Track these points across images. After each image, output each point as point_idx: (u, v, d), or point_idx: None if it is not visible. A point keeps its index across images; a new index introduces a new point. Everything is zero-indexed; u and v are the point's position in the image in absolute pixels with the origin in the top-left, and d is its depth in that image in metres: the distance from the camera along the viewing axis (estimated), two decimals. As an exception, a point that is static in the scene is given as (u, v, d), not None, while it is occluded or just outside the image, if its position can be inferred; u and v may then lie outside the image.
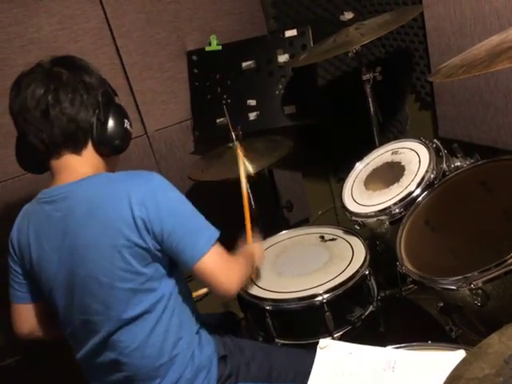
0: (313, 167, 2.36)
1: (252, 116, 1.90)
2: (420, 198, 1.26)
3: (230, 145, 1.75)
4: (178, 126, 1.97)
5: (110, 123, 1.05)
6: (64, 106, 1.00)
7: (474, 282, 0.92)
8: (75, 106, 1.01)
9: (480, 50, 0.76)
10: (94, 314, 1.02)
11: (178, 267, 1.09)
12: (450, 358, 0.88)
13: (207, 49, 1.92)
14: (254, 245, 1.34)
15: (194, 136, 2.00)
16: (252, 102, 1.91)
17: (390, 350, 0.97)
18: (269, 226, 1.78)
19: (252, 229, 1.41)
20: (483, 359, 0.74)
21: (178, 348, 1.06)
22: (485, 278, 0.91)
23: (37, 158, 1.05)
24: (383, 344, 1.00)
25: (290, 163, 2.19)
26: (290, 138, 1.85)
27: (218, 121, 1.92)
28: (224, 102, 1.91)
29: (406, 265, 1.10)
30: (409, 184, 1.32)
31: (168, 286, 1.06)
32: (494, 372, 0.69)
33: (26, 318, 1.16)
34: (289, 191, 2.27)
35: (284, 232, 1.68)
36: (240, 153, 1.54)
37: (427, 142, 1.40)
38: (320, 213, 2.48)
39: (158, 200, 0.99)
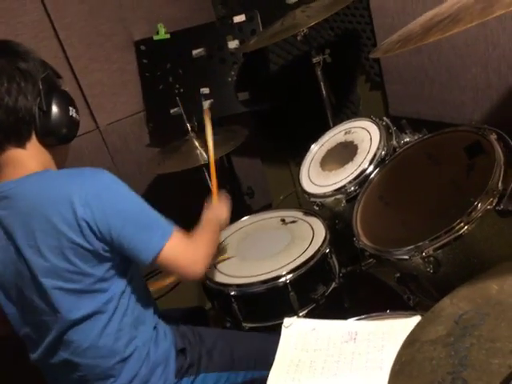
0: (271, 153, 2.37)
1: (206, 104, 1.88)
2: (373, 175, 1.30)
3: (187, 138, 1.72)
4: (131, 118, 1.93)
5: (54, 112, 0.98)
6: (0, 97, 0.93)
7: (426, 250, 0.95)
8: (12, 95, 0.94)
9: (416, 25, 0.78)
10: (44, 315, 0.99)
11: (131, 265, 1.06)
12: (408, 324, 0.92)
13: (155, 38, 1.88)
14: (217, 206, 1.33)
15: (148, 128, 1.97)
16: (205, 90, 1.89)
17: (351, 323, 1.00)
18: (231, 214, 1.79)
19: (217, 189, 1.41)
20: (436, 322, 0.77)
21: (131, 347, 1.04)
22: (435, 246, 0.95)
23: None
24: (345, 318, 1.03)
25: (248, 151, 2.20)
26: (247, 126, 1.85)
27: (171, 111, 1.89)
28: (177, 91, 1.89)
29: (362, 239, 1.13)
30: (362, 162, 1.36)
31: (120, 285, 1.02)
32: (446, 333, 0.72)
33: None
34: (249, 178, 2.27)
35: (245, 218, 1.69)
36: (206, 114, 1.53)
37: (377, 120, 1.43)
38: (282, 197, 2.50)
39: (103, 199, 0.95)
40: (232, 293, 1.31)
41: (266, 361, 1.13)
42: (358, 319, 1.02)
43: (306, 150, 1.63)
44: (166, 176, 1.76)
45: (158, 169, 1.74)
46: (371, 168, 1.32)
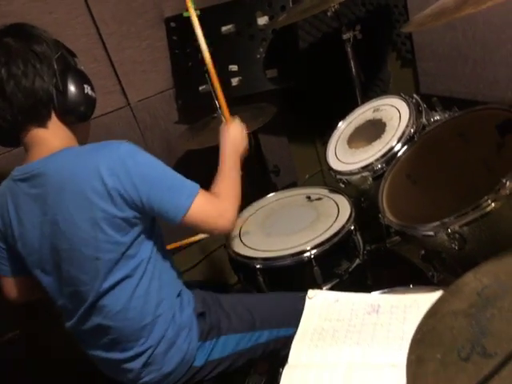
0: (298, 131, 2.37)
1: (234, 82, 1.90)
2: (401, 153, 1.30)
3: (215, 115, 1.75)
4: (161, 95, 1.96)
5: (70, 91, 1.01)
6: (17, 80, 0.97)
7: (451, 227, 0.96)
8: (29, 77, 0.97)
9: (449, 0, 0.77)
10: (81, 285, 1.04)
11: (155, 231, 1.10)
12: (430, 299, 0.93)
13: (185, 14, 1.88)
14: (232, 128, 1.29)
15: (177, 105, 1.99)
16: (234, 68, 1.90)
17: (374, 296, 1.03)
18: (257, 191, 1.82)
19: (224, 106, 1.35)
20: (458, 295, 0.78)
21: (159, 310, 1.09)
22: (461, 222, 0.95)
23: (7, 133, 1.04)
24: (369, 292, 1.06)
25: (275, 129, 2.21)
26: (275, 104, 1.85)
27: (200, 88, 1.91)
28: (205, 68, 1.89)
29: (388, 216, 1.14)
30: (390, 139, 1.35)
31: (146, 250, 1.07)
32: (468, 305, 0.74)
33: (13, 288, 1.19)
34: (275, 156, 2.29)
35: (271, 195, 1.72)
36: (192, 11, 1.37)
37: (407, 97, 1.42)
38: (307, 176, 2.51)
39: (128, 167, 0.98)
40: (258, 266, 1.35)
41: (288, 319, 1.16)
42: (381, 293, 1.04)
43: (333, 129, 1.63)
44: (194, 152, 1.79)
45: (187, 145, 1.78)
46: (399, 146, 1.31)
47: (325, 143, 2.37)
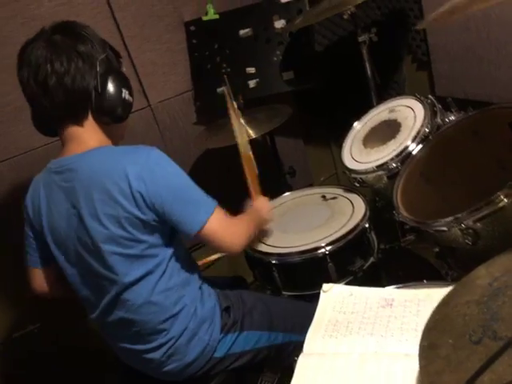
0: (314, 134, 2.40)
1: (252, 84, 1.94)
2: (415, 152, 1.31)
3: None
4: (180, 97, 2.01)
5: (107, 93, 1.04)
6: (60, 77, 1.00)
7: (465, 222, 0.97)
8: (71, 75, 1.00)
9: (463, -3, 0.80)
10: (102, 279, 1.08)
11: (176, 235, 1.14)
12: (444, 292, 0.95)
13: (204, 18, 1.94)
14: (258, 201, 1.38)
15: (195, 106, 2.04)
16: (251, 70, 1.94)
17: (388, 290, 1.04)
18: (272, 192, 1.85)
19: (257, 187, 1.44)
20: (471, 288, 0.80)
21: (180, 304, 1.13)
22: (474, 217, 0.96)
23: (47, 124, 1.11)
24: (382, 287, 1.07)
25: (290, 131, 2.24)
26: (291, 106, 1.89)
27: (218, 90, 1.96)
28: (224, 70, 1.95)
29: (402, 212, 1.16)
30: (405, 139, 1.37)
31: (167, 251, 1.11)
32: (480, 295, 0.75)
33: (41, 280, 1.23)
34: (291, 158, 2.31)
35: (287, 194, 1.75)
36: (232, 106, 1.49)
37: (422, 98, 1.44)
38: (322, 179, 2.53)
39: (155, 174, 1.02)
40: (273, 261, 1.38)
41: (303, 326, 1.20)
42: (395, 287, 1.06)
43: (348, 131, 1.65)
44: (211, 153, 1.83)
45: (205, 144, 1.82)
46: (414, 145, 1.33)
47: (340, 146, 2.39)
